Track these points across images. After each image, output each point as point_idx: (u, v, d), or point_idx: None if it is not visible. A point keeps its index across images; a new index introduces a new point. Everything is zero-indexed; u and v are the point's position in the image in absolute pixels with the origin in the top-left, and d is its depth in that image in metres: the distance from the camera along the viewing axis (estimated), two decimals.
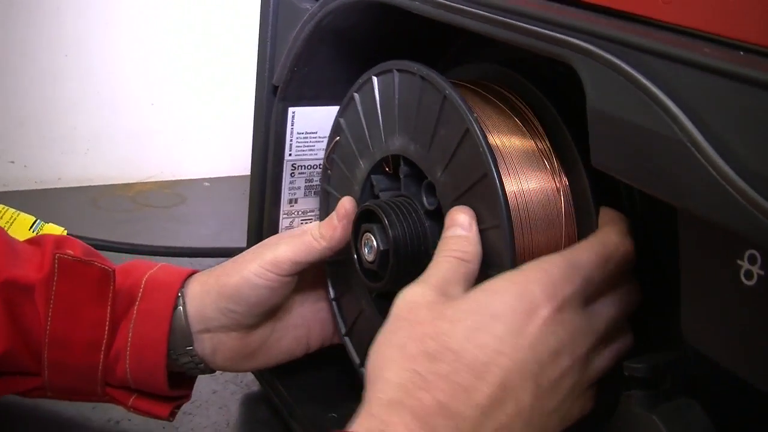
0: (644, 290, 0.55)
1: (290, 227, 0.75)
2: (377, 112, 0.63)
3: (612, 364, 0.53)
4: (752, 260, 0.40)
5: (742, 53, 0.37)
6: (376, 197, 0.64)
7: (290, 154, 0.72)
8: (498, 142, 0.56)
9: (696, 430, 0.48)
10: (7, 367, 0.64)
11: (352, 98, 0.65)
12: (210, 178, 1.33)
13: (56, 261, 0.62)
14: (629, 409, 0.49)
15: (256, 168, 0.74)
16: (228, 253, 1.06)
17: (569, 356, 0.49)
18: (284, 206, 0.74)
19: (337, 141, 0.67)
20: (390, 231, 0.59)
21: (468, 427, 0.46)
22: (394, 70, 0.61)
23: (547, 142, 0.57)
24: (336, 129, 0.68)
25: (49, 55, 1.23)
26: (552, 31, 0.43)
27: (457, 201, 0.55)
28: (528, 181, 0.55)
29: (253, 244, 0.73)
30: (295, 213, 0.75)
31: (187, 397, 0.70)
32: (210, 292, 0.64)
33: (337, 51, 0.68)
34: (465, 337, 0.47)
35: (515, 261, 0.52)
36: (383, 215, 0.59)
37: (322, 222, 0.64)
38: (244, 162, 1.37)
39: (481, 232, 0.54)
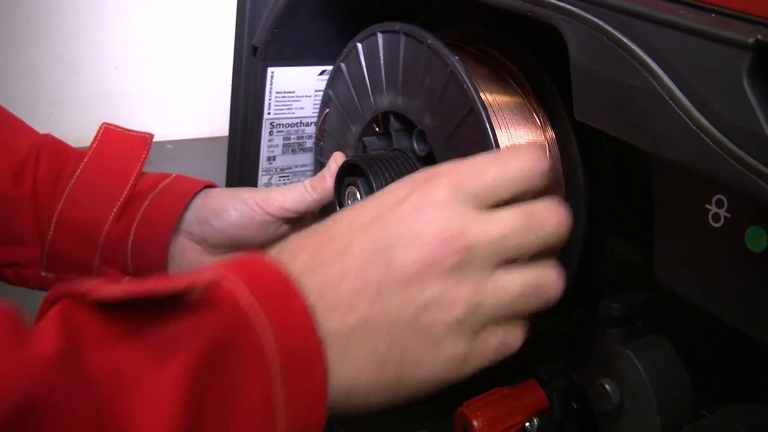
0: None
1: (268, 184, 0.77)
2: (364, 76, 0.66)
3: (523, 294, 0.45)
4: (719, 204, 0.44)
5: (713, 15, 0.41)
6: None
7: (269, 113, 0.74)
8: (484, 89, 0.59)
9: (666, 363, 0.52)
10: (6, 227, 0.66)
11: (339, 68, 0.68)
12: (173, 141, 1.34)
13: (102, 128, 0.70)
14: (605, 345, 0.53)
15: (234, 127, 0.76)
16: None
17: (456, 245, 0.42)
18: (263, 164, 0.76)
19: (327, 113, 0.70)
20: (374, 183, 0.61)
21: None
22: (378, 33, 0.64)
23: (532, 95, 0.61)
24: (325, 101, 0.71)
25: (10, 19, 1.23)
26: None
27: (447, 141, 0.58)
28: (515, 129, 0.59)
29: None
30: (274, 170, 0.77)
31: None
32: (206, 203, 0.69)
33: (316, 12, 0.71)
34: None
35: None
36: (366, 168, 0.62)
37: (315, 176, 0.67)
38: (206, 124, 1.39)
39: None
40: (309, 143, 0.77)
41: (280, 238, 0.69)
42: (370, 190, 0.62)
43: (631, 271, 0.60)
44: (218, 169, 1.19)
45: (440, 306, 0.41)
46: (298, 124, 0.76)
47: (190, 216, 0.68)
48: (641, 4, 0.42)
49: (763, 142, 0.36)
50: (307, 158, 0.78)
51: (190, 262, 0.69)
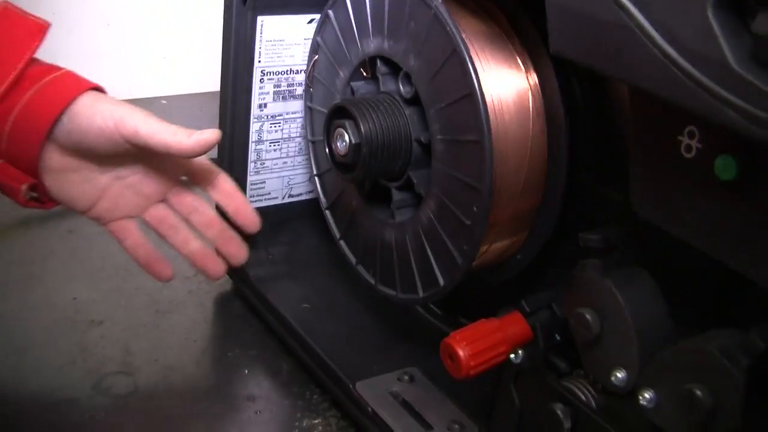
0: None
1: (260, 131, 0.78)
2: (351, 22, 0.67)
3: None
4: (691, 135, 0.46)
5: None
6: None
7: (259, 61, 0.76)
8: (468, 31, 0.61)
9: (644, 292, 0.54)
10: None
11: (327, 15, 0.69)
12: (166, 96, 1.35)
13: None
14: (585, 275, 0.55)
15: (226, 75, 0.77)
16: None
17: None
18: (254, 111, 0.78)
19: (315, 60, 0.72)
20: (361, 125, 0.63)
21: None
22: None
23: (514, 37, 0.62)
24: (314, 48, 0.72)
25: None
26: None
27: (432, 82, 0.60)
28: (498, 70, 0.60)
29: (226, 150, 0.77)
30: (265, 117, 0.78)
31: (46, 203, 0.71)
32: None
33: None
34: None
35: (489, 128, 0.57)
36: (354, 110, 0.63)
37: (187, 129, 0.67)
38: (198, 80, 1.39)
39: (454, 104, 0.59)
40: (299, 90, 0.79)
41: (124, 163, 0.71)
42: (357, 132, 0.63)
43: (613, 208, 0.61)
44: (213, 123, 1.21)
45: None
46: (289, 72, 0.77)
47: (63, 119, 0.67)
48: None
49: (727, 70, 0.38)
50: (297, 105, 0.79)
51: (56, 167, 0.69)
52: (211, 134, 0.67)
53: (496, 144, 0.57)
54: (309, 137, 0.76)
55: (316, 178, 0.77)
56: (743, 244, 0.45)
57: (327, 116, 0.66)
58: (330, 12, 0.70)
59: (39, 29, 0.69)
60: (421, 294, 0.65)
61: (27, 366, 0.72)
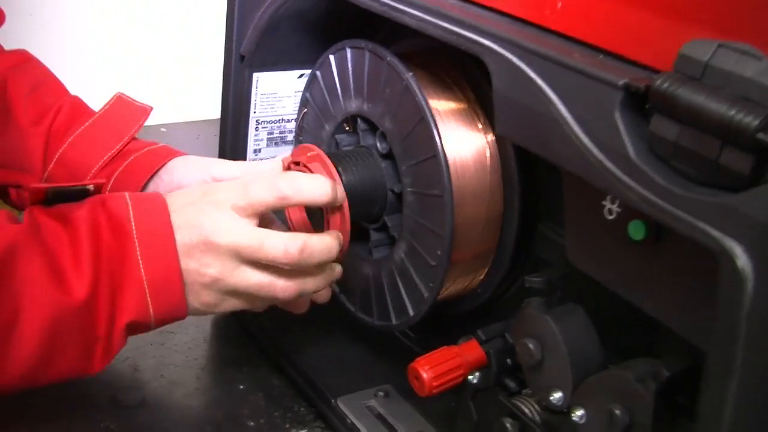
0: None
1: None
2: (335, 83, 0.77)
3: (253, 289, 0.70)
4: (612, 200, 0.56)
5: (601, 56, 0.52)
6: None
7: (255, 112, 0.86)
8: (434, 98, 0.71)
9: (578, 326, 0.64)
10: (19, 157, 0.84)
11: (315, 75, 0.80)
12: (166, 124, 1.44)
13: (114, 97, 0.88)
14: (529, 310, 0.65)
15: (225, 124, 0.87)
16: None
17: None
18: (250, 155, 0.87)
19: (305, 113, 0.82)
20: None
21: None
22: (347, 48, 0.75)
23: (475, 102, 0.72)
24: (303, 102, 0.82)
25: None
26: (469, 32, 0.58)
27: (403, 142, 0.70)
28: (460, 132, 0.70)
29: None
30: (259, 161, 0.88)
31: None
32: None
33: (295, 26, 0.82)
34: None
35: (450, 185, 0.67)
36: (337, 163, 0.73)
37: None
38: (196, 109, 1.49)
39: (422, 163, 0.69)
40: (290, 137, 0.89)
41: None
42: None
43: (558, 251, 0.71)
44: (210, 149, 1.30)
45: (207, 266, 0.68)
46: (280, 121, 0.88)
47: (161, 175, 0.82)
48: (546, 47, 0.53)
49: (628, 161, 0.48)
50: (288, 150, 0.89)
51: None
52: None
53: (457, 197, 0.68)
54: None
55: None
56: (650, 291, 0.56)
57: None
58: (318, 73, 0.80)
59: (143, 112, 0.86)
60: (394, 322, 0.75)
61: None
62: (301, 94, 0.84)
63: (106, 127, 0.84)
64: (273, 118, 0.87)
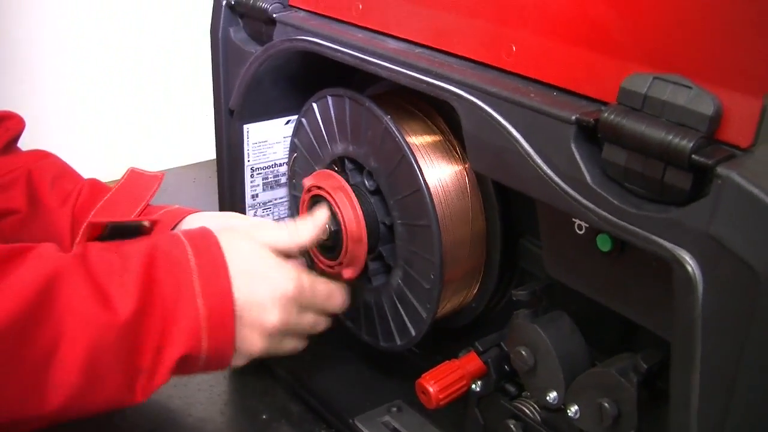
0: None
1: (255, 216, 0.95)
2: (321, 128, 0.84)
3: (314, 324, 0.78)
4: None
5: (555, 93, 0.59)
6: None
7: (248, 161, 0.92)
8: (412, 135, 0.77)
9: (565, 331, 0.70)
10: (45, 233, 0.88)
11: (301, 122, 0.86)
12: (160, 170, 1.51)
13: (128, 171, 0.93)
14: (519, 321, 0.71)
15: (222, 173, 0.93)
16: None
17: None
18: (248, 201, 0.94)
19: (295, 157, 0.88)
20: (336, 212, 0.79)
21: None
22: (328, 96, 0.82)
23: (450, 134, 0.78)
24: (293, 147, 0.89)
25: None
26: (437, 80, 0.64)
27: (388, 178, 0.77)
28: (439, 163, 0.76)
29: None
30: (258, 205, 0.95)
31: None
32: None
33: (277, 79, 0.88)
34: None
35: (436, 215, 0.73)
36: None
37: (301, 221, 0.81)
38: (189, 153, 1.55)
39: (407, 197, 0.75)
40: (283, 179, 0.95)
41: None
42: (335, 220, 0.79)
43: (540, 262, 0.78)
44: (207, 193, 1.36)
45: (267, 310, 0.72)
46: (273, 166, 0.94)
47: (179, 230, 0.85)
48: (506, 88, 0.60)
49: (585, 186, 0.54)
50: (283, 191, 0.95)
51: None
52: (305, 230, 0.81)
53: (443, 224, 0.74)
54: (291, 192, 0.93)
55: None
56: (620, 295, 0.62)
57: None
58: (303, 120, 0.86)
59: (155, 180, 0.92)
60: (398, 342, 0.82)
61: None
62: (289, 138, 0.91)
63: (123, 199, 0.89)
64: (266, 164, 0.93)
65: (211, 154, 1.36)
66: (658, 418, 0.65)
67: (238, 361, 0.73)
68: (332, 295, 0.78)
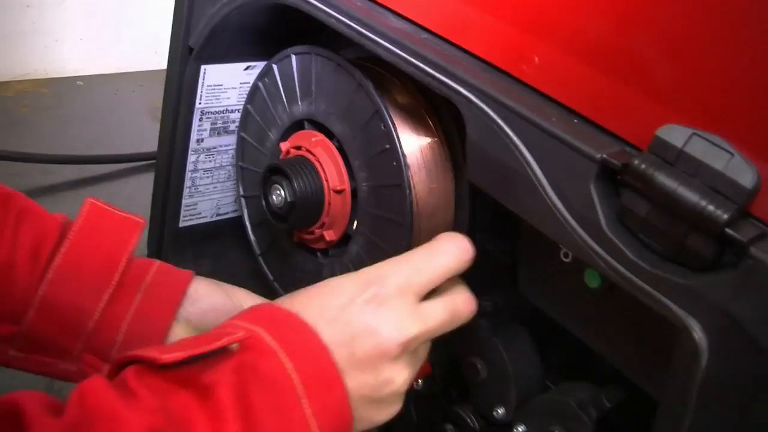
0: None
1: (196, 162, 0.88)
2: (280, 90, 0.78)
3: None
4: None
5: (576, 120, 0.55)
6: None
7: (200, 103, 0.85)
8: (385, 96, 0.72)
9: (522, 348, 0.69)
10: None
11: (258, 87, 0.80)
12: (82, 77, 1.40)
13: (87, 204, 0.68)
14: (477, 332, 0.69)
15: (167, 114, 0.86)
16: (118, 159, 1.18)
17: (402, 340, 0.56)
18: (192, 145, 0.87)
19: (247, 123, 0.82)
20: (296, 186, 0.74)
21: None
22: (291, 55, 0.76)
23: (423, 100, 0.74)
24: (245, 114, 0.82)
25: None
26: (445, 77, 0.59)
27: (354, 141, 0.72)
28: (414, 129, 0.72)
29: (163, 178, 0.87)
30: (201, 150, 0.88)
31: None
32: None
33: (246, 27, 0.81)
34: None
35: (408, 174, 0.69)
36: (291, 173, 0.74)
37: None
38: (114, 61, 1.45)
39: (376, 156, 0.70)
40: (232, 127, 0.89)
41: None
42: (291, 187, 0.74)
43: (505, 270, 0.75)
44: (129, 106, 1.28)
45: (389, 384, 0.57)
46: (224, 111, 0.87)
47: (180, 312, 0.71)
48: (524, 105, 0.56)
49: (599, 230, 0.51)
50: (230, 139, 0.89)
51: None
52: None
53: (413, 187, 0.70)
54: (239, 163, 0.87)
55: (242, 200, 0.88)
56: (599, 333, 0.60)
57: (263, 173, 0.77)
58: (260, 83, 0.81)
59: (134, 226, 0.70)
60: None
61: None
62: (247, 86, 0.84)
63: (90, 251, 0.67)
64: (217, 109, 0.87)
65: (135, 65, 1.28)
66: None
67: None
68: (459, 307, 0.61)
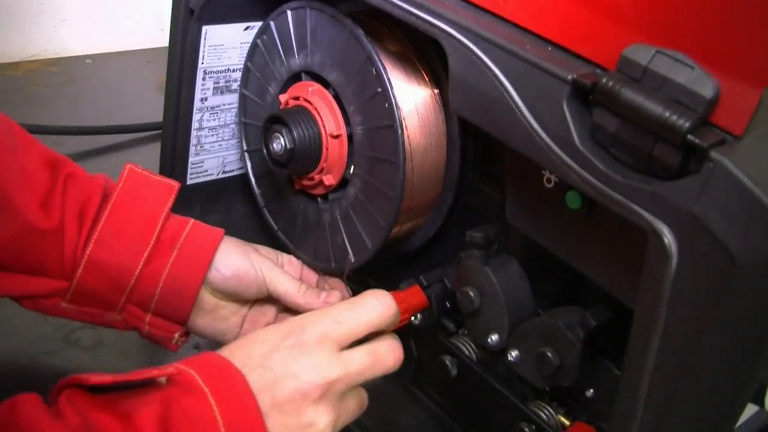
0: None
1: (201, 120, 0.92)
2: (277, 45, 0.81)
3: (360, 407, 0.66)
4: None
5: (549, 48, 0.58)
6: None
7: (202, 63, 0.89)
8: (378, 45, 0.75)
9: (513, 276, 0.72)
10: (30, 257, 0.70)
11: (257, 44, 0.84)
12: (91, 55, 1.44)
13: (126, 169, 0.75)
14: (470, 262, 0.72)
15: (171, 73, 0.89)
16: (127, 129, 1.22)
17: (322, 383, 0.61)
18: (197, 104, 0.91)
19: (248, 80, 0.86)
20: (295, 133, 0.78)
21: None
22: (287, 10, 0.80)
23: (416, 50, 0.77)
24: (246, 71, 0.86)
25: None
26: (429, 15, 0.63)
27: (348, 88, 0.75)
28: (406, 78, 0.75)
29: (170, 137, 0.91)
30: (205, 108, 0.92)
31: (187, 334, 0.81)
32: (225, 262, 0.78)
33: None
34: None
35: (400, 117, 0.72)
36: (290, 122, 0.78)
37: (311, 290, 0.80)
38: (123, 39, 1.48)
39: (369, 100, 0.74)
40: (234, 86, 0.92)
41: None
42: (290, 135, 0.78)
43: (495, 206, 0.79)
44: (138, 84, 1.32)
45: (311, 426, 0.61)
46: (226, 71, 0.91)
47: (214, 271, 0.77)
48: (500, 36, 0.59)
49: (573, 147, 0.54)
50: (233, 98, 0.93)
51: (209, 308, 0.79)
52: (334, 298, 0.79)
53: (405, 127, 0.73)
54: (242, 119, 0.91)
55: (246, 154, 0.92)
56: (582, 253, 0.64)
57: (264, 124, 0.80)
58: (258, 41, 0.85)
59: (169, 189, 0.77)
60: (353, 259, 0.81)
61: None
62: (247, 45, 0.88)
63: (130, 214, 0.74)
64: (220, 68, 0.90)
65: (142, 43, 1.31)
66: (594, 372, 0.68)
67: None
68: (381, 355, 0.66)
